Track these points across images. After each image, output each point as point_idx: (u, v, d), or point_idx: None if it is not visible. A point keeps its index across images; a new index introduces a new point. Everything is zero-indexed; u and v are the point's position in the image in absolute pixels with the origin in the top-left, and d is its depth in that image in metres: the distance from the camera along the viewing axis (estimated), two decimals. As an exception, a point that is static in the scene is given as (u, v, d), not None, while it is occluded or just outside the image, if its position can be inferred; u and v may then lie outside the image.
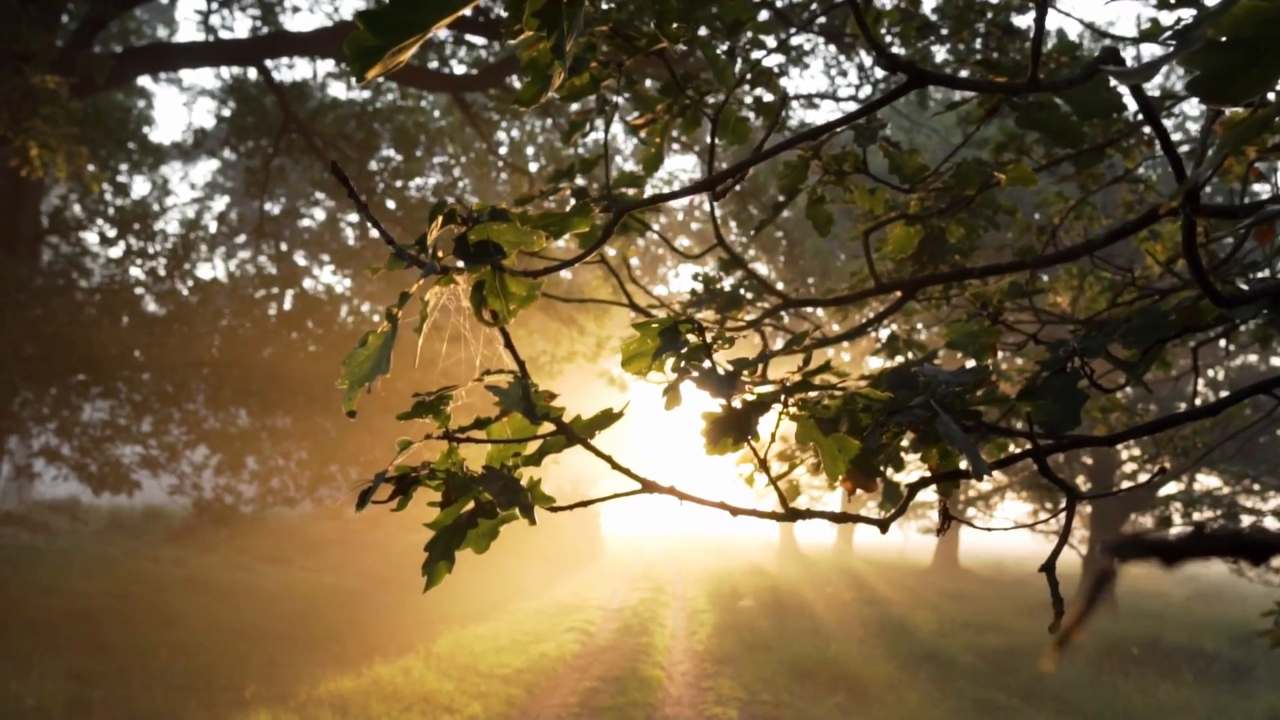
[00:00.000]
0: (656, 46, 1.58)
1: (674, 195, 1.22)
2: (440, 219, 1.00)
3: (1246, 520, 18.90)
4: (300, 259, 23.81)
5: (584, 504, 1.10)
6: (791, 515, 1.11)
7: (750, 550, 34.14)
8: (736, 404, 1.03)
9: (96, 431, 11.84)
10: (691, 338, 1.06)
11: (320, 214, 25.18)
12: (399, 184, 19.48)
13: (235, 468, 12.68)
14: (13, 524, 13.44)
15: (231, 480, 12.81)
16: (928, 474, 1.26)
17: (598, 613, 15.76)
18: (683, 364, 1.07)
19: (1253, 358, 20.78)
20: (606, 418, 1.07)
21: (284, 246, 19.97)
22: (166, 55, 12.75)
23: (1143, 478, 22.26)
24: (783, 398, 1.08)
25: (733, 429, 1.05)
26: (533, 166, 18.41)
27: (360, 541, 19.25)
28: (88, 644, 9.50)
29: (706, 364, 1.05)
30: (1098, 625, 15.55)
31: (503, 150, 18.37)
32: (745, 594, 18.64)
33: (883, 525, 1.16)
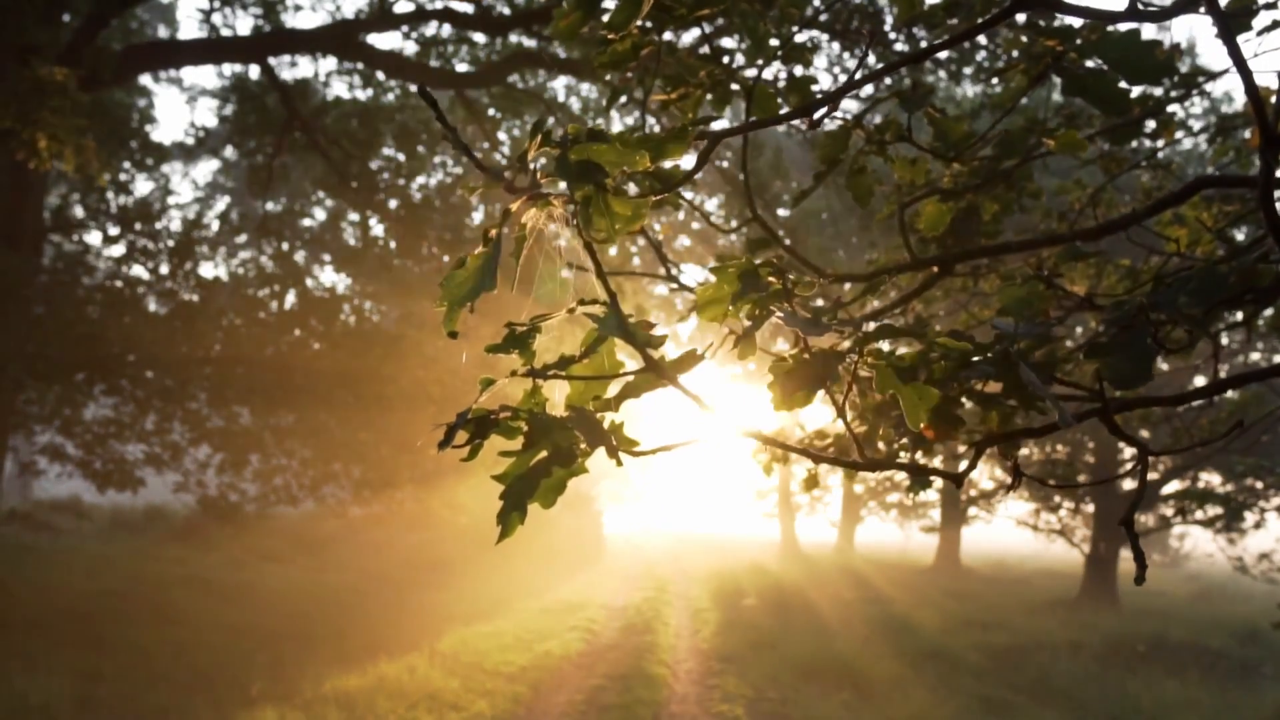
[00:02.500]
0: (697, 13, 1.55)
1: (768, 123, 1.19)
2: (540, 138, 0.97)
3: (1250, 518, 18.89)
4: (301, 258, 23.80)
5: (667, 448, 1.07)
6: (871, 465, 1.09)
7: (751, 549, 34.11)
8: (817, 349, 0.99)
9: (100, 429, 11.82)
10: (772, 280, 1.03)
11: (321, 214, 25.18)
12: (400, 182, 19.46)
13: (238, 466, 12.65)
14: (16, 521, 13.41)
15: (234, 479, 12.78)
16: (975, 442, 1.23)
17: (601, 611, 15.73)
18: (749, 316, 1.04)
19: (1254, 355, 20.75)
20: (690, 359, 1.05)
21: (284, 246, 19.94)
22: (169, 52, 12.72)
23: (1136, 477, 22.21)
24: (858, 347, 1.05)
25: (809, 378, 1.02)
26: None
27: (363, 540, 19.21)
28: (92, 642, 9.47)
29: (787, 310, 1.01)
30: (1102, 623, 15.53)
31: (504, 149, 18.33)
32: (748, 593, 18.61)
33: (958, 480, 1.14)
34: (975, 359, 0.99)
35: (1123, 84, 1.38)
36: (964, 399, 1.04)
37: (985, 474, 27.83)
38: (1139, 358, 1.00)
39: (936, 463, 3.19)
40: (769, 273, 1.04)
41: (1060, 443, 21.35)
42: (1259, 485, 18.11)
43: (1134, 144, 3.06)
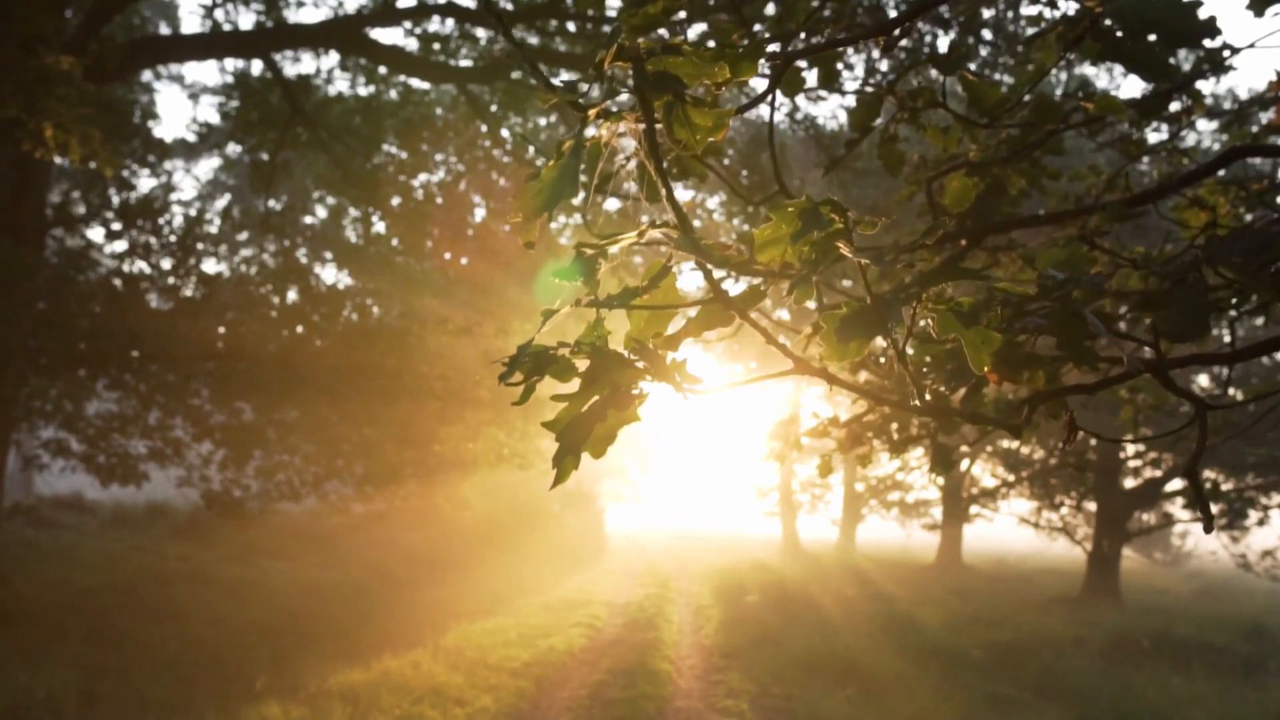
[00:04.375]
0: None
1: (840, 43, 1.17)
2: (615, 50, 0.94)
3: (1253, 515, 18.88)
4: (302, 256, 23.77)
5: (734, 385, 1.05)
6: (930, 410, 1.06)
7: (753, 547, 34.09)
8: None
9: (102, 423, 11.80)
10: (834, 218, 1.00)
11: (322, 212, 25.15)
12: (402, 179, 19.43)
13: (240, 462, 12.62)
14: (20, 515, 13.41)
15: (237, 475, 12.76)
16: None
17: (604, 608, 15.71)
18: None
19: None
20: (754, 294, 1.02)
21: (286, 243, 19.92)
22: (171, 47, 12.70)
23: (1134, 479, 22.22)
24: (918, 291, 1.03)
25: (868, 323, 1.00)
26: (538, 162, 18.32)
27: (366, 537, 19.20)
28: (95, 637, 9.45)
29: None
30: (1105, 620, 15.51)
31: (508, 147, 18.30)
32: (750, 590, 18.59)
33: (1016, 430, 1.11)
34: (1035, 305, 0.97)
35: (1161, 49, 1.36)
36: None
37: (987, 472, 27.80)
38: (1194, 310, 0.97)
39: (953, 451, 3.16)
40: (830, 211, 1.01)
41: (1052, 452, 21.31)
42: (1259, 481, 18.09)
43: (1151, 130, 3.04)
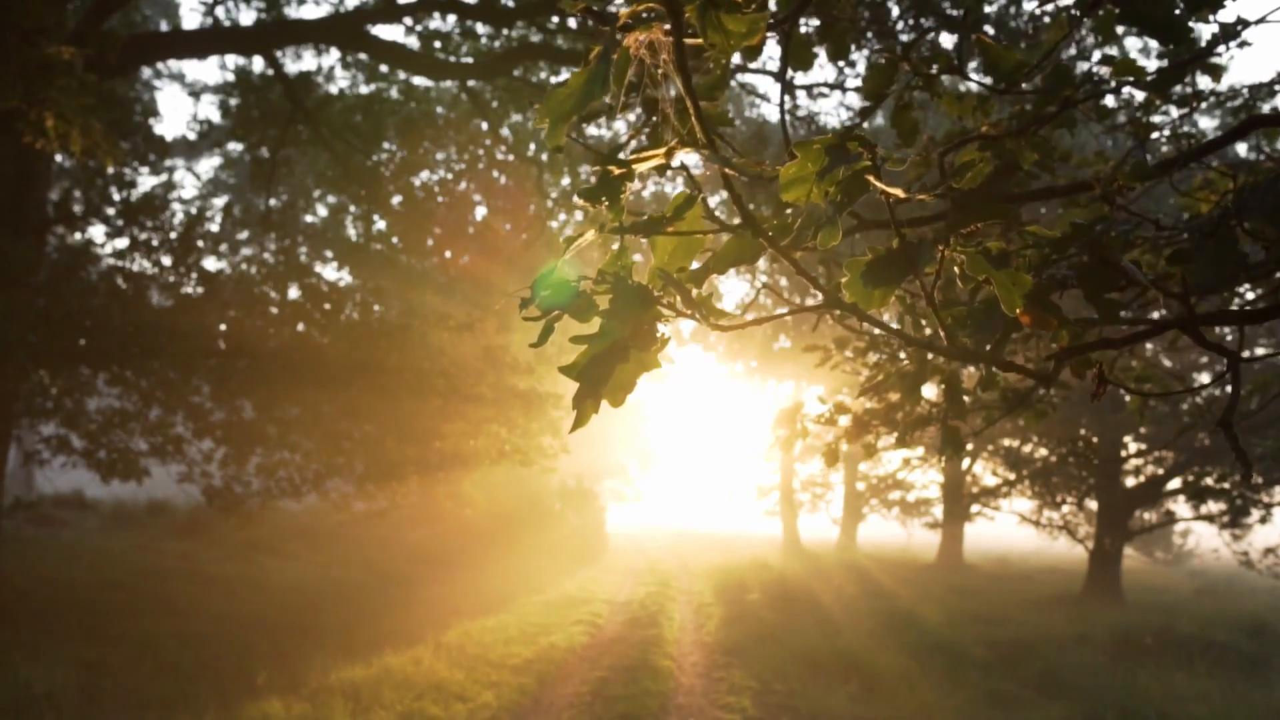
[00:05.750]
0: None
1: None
2: None
3: (1255, 514, 18.85)
4: (303, 255, 23.75)
5: (759, 321, 1.03)
6: (961, 354, 1.04)
7: (753, 546, 34.05)
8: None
9: (103, 419, 11.78)
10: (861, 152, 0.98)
11: (323, 210, 25.13)
12: (403, 178, 19.42)
13: (242, 460, 12.59)
14: (21, 510, 13.38)
15: (238, 472, 12.73)
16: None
17: (605, 606, 15.69)
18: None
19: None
20: (784, 227, 1.00)
21: (285, 241, 19.90)
22: (172, 43, 12.67)
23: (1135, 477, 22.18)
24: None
25: (897, 266, 0.98)
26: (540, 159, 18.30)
27: (366, 536, 19.20)
28: (96, 634, 9.43)
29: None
30: (1107, 618, 15.48)
31: (508, 143, 18.28)
32: (751, 588, 18.56)
33: (1046, 380, 1.09)
34: (1066, 248, 0.95)
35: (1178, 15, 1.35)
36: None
37: (988, 470, 27.78)
38: (1224, 261, 0.95)
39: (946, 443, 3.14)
40: (857, 146, 0.98)
41: (1059, 442, 21.27)
42: (1260, 480, 18.05)
43: (1159, 114, 3.01)
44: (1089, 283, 0.95)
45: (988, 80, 1.76)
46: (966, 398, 2.39)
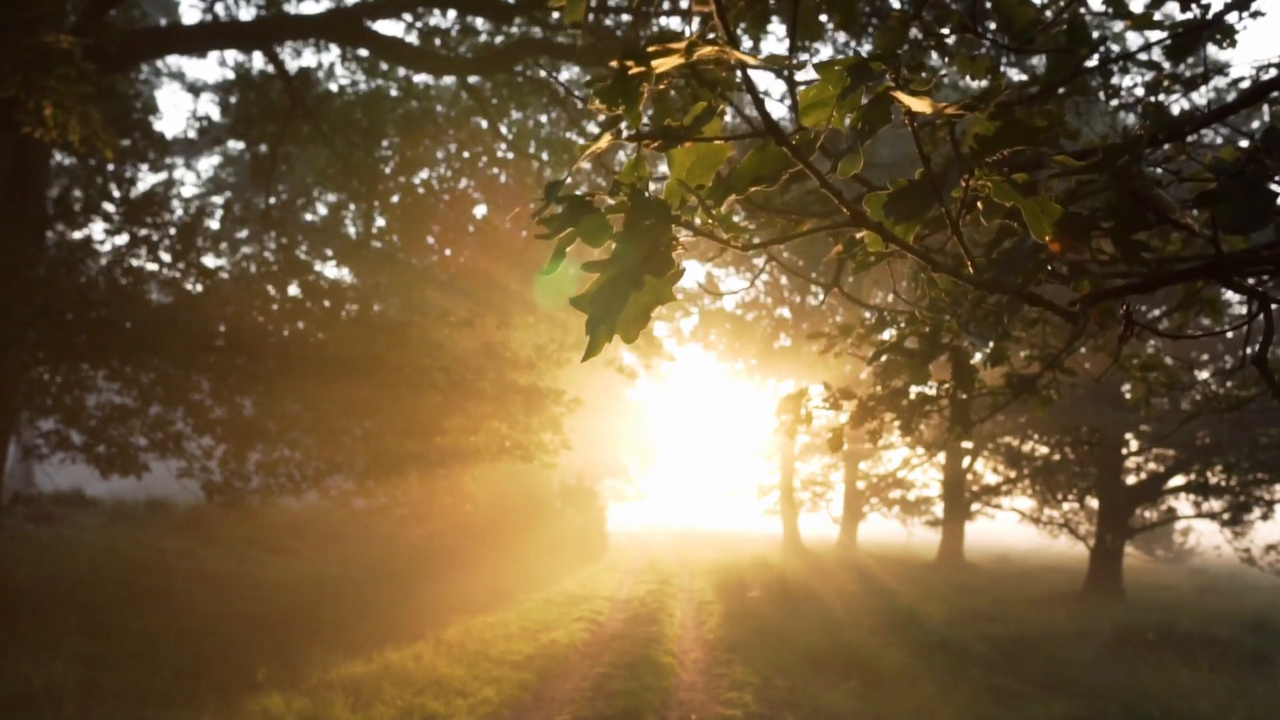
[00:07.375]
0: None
1: None
2: None
3: (1256, 511, 18.83)
4: (303, 253, 23.73)
5: (780, 240, 0.99)
6: (987, 284, 1.01)
7: (754, 545, 34.02)
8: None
9: (102, 414, 11.75)
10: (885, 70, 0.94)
11: (323, 208, 25.10)
12: (403, 177, 19.38)
13: (242, 456, 12.57)
14: (20, 506, 13.36)
15: (238, 469, 12.70)
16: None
17: (605, 603, 15.67)
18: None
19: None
20: (808, 140, 0.96)
21: (284, 240, 19.88)
22: (171, 38, 12.65)
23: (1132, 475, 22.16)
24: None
25: (921, 196, 0.95)
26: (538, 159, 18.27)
27: (367, 533, 19.16)
28: (95, 631, 9.39)
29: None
30: (1109, 614, 15.45)
31: (509, 140, 18.24)
32: (752, 585, 18.53)
33: (1072, 316, 1.06)
34: (1094, 174, 0.92)
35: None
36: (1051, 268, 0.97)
37: (989, 468, 27.75)
38: (1256, 200, 0.92)
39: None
40: (880, 66, 0.95)
41: (1059, 438, 21.23)
42: (1264, 476, 18.03)
43: (1170, 98, 2.99)
44: (1118, 219, 0.92)
45: (1001, 41, 1.72)
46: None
